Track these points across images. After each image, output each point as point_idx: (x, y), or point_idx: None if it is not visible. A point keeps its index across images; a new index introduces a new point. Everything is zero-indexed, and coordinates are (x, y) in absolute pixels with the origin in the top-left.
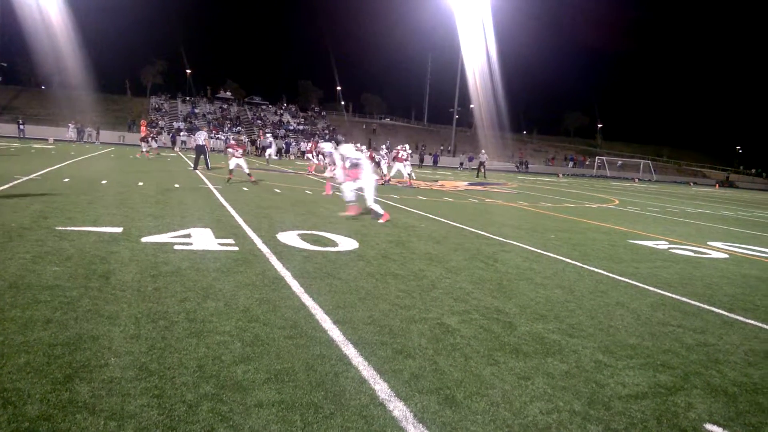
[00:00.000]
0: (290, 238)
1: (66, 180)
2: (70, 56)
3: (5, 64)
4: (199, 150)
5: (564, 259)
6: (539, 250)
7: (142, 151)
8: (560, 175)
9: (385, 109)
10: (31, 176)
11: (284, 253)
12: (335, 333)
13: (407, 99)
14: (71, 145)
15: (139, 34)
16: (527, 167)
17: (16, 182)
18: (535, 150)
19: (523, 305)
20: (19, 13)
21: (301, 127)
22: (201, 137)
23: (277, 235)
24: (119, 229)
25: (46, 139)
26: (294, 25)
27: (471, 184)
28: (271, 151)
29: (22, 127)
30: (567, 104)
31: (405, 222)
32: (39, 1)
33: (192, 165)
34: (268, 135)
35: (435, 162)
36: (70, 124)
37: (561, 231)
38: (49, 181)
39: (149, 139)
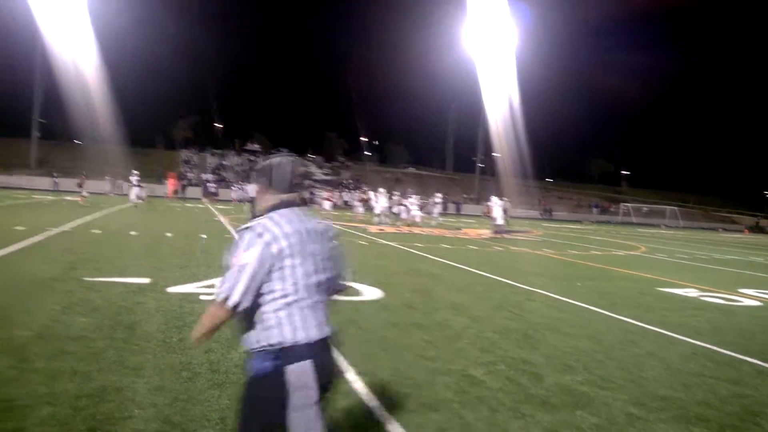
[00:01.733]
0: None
1: (96, 231)
2: (104, 112)
3: (44, 121)
4: (250, 200)
5: (591, 307)
6: (566, 299)
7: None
8: (586, 223)
9: (409, 159)
10: (63, 228)
11: None
12: (359, 384)
13: (430, 148)
14: (103, 197)
15: (170, 90)
16: (551, 214)
17: (48, 234)
18: (559, 197)
19: (551, 356)
20: (56, 73)
21: (326, 178)
22: (252, 189)
23: None
24: (146, 280)
25: (80, 192)
26: (320, 78)
27: (496, 232)
28: None
29: (56, 180)
30: (591, 151)
31: (429, 270)
32: (75, 61)
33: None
34: (249, 185)
35: (458, 210)
36: (106, 177)
37: (588, 279)
38: (79, 232)
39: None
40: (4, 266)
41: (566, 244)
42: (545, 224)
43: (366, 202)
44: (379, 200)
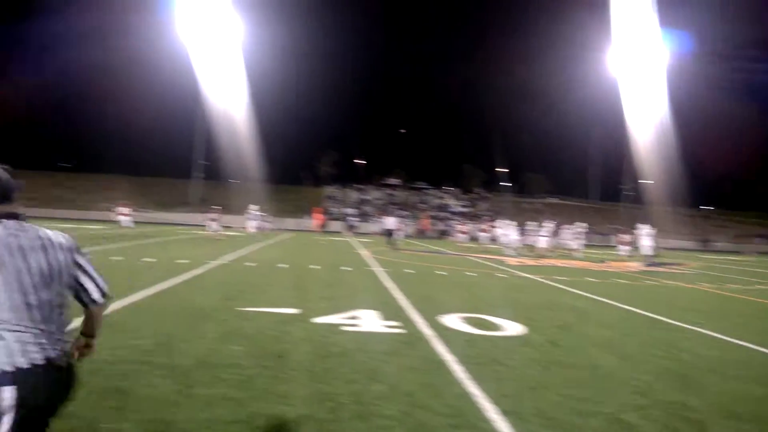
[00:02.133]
0: (453, 321)
1: (250, 264)
2: (256, 153)
3: (207, 162)
4: (388, 232)
5: (759, 348)
6: (729, 338)
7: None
8: (748, 254)
9: (549, 188)
10: (220, 261)
11: (447, 336)
12: (501, 424)
13: (572, 177)
14: (255, 232)
15: (315, 129)
16: (709, 244)
17: (207, 266)
18: (718, 226)
19: (713, 402)
20: (215, 120)
21: (464, 210)
22: (390, 222)
23: (439, 318)
24: (294, 310)
25: (234, 227)
26: (457, 110)
27: (649, 265)
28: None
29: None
30: (757, 175)
31: (573, 305)
32: (229, 107)
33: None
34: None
35: (603, 241)
36: (259, 213)
37: (753, 317)
38: (235, 264)
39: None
40: (169, 297)
41: (726, 277)
42: (701, 255)
43: (487, 233)
44: (508, 231)
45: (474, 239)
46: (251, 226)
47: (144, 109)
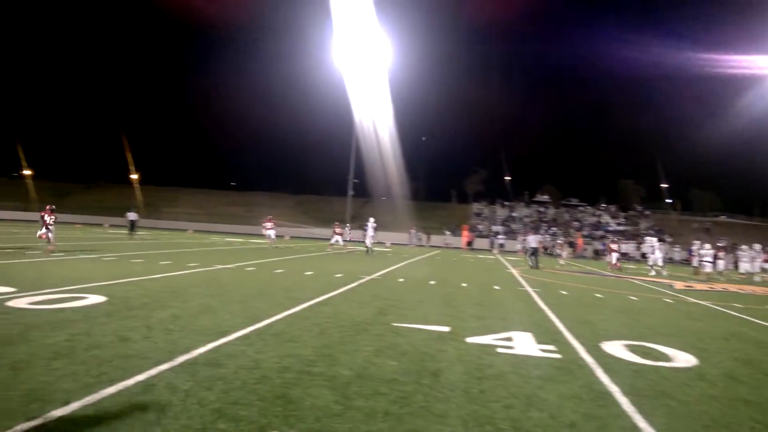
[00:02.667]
0: (616, 348)
1: (401, 280)
2: (405, 171)
3: (357, 180)
4: (533, 251)
5: None
6: None
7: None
8: None
9: (720, 206)
10: (373, 276)
11: (611, 365)
12: None
13: (747, 193)
14: (405, 248)
15: (463, 147)
16: None
17: (361, 281)
18: None
19: None
20: (365, 139)
21: (620, 228)
22: (534, 240)
23: (601, 344)
24: (446, 328)
25: (384, 243)
26: (612, 123)
27: None
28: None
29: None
30: None
31: (754, 336)
32: (380, 127)
33: (531, 264)
34: (531, 235)
35: None
36: (411, 230)
37: None
38: (387, 280)
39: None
40: (328, 309)
41: None
42: None
43: (613, 252)
44: (655, 250)
45: (624, 259)
46: (369, 240)
47: (305, 131)
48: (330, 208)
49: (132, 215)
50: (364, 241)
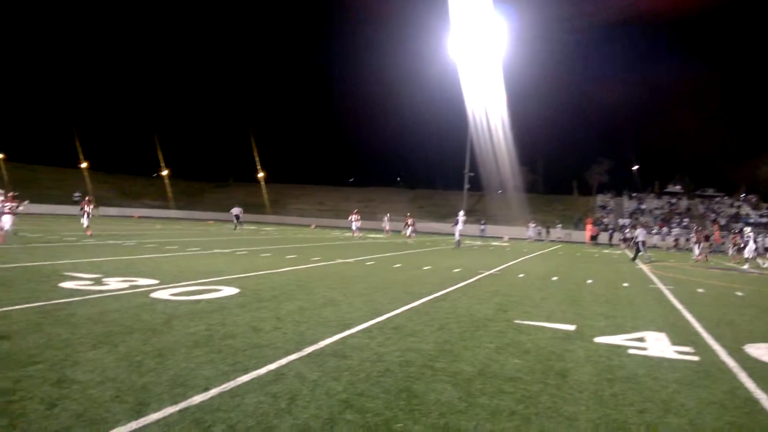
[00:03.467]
0: (763, 352)
1: (521, 276)
2: (523, 163)
3: (473, 174)
4: (641, 244)
5: None
6: None
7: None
8: None
9: None
10: (492, 271)
11: (757, 369)
12: None
13: None
14: (523, 243)
15: (585, 137)
16: None
17: (480, 276)
18: None
19: None
20: (481, 131)
21: (763, 220)
22: (642, 233)
23: (744, 347)
24: (571, 327)
25: (502, 237)
26: (752, 100)
27: None
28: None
29: (483, 227)
30: None
31: None
32: (496, 118)
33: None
34: (639, 228)
35: None
36: (530, 224)
37: None
38: (506, 275)
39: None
40: (447, 304)
41: None
42: None
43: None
44: (750, 241)
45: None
46: (458, 233)
47: (420, 126)
48: (445, 202)
49: (236, 210)
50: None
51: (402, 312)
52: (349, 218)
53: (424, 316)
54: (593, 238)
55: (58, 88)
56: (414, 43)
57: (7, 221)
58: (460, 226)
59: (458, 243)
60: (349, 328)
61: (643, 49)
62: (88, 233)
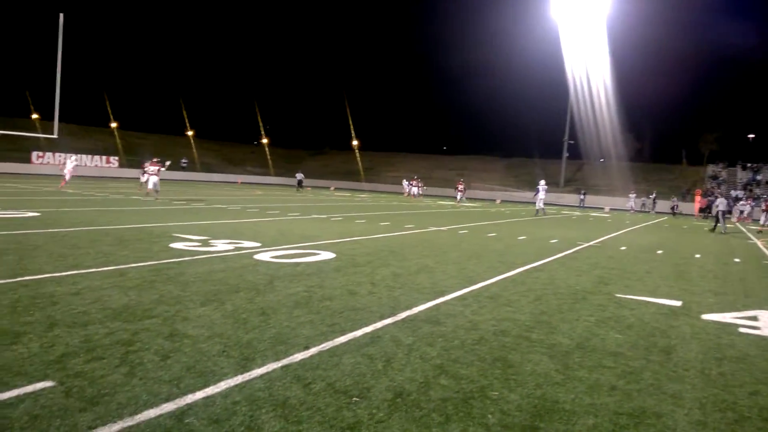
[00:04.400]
0: None
1: (623, 248)
2: (625, 131)
3: (572, 141)
4: (720, 215)
5: None
6: None
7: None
8: None
9: None
10: (591, 243)
11: None
12: None
13: None
14: (626, 215)
15: (697, 103)
16: None
17: (579, 248)
18: None
19: None
20: (582, 97)
21: None
22: (722, 203)
23: None
24: (677, 303)
25: (602, 208)
26: None
27: None
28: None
29: (582, 197)
30: None
31: None
32: (597, 85)
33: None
34: (720, 199)
35: None
36: (630, 195)
37: None
38: (607, 247)
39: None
40: (544, 275)
41: None
42: None
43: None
44: None
45: None
46: (540, 202)
47: (516, 91)
48: (543, 171)
49: (299, 175)
50: (535, 203)
51: (497, 281)
52: (458, 187)
53: (520, 286)
54: (702, 210)
55: (167, 60)
56: (511, 2)
57: (152, 181)
58: (541, 195)
59: (538, 211)
60: (442, 295)
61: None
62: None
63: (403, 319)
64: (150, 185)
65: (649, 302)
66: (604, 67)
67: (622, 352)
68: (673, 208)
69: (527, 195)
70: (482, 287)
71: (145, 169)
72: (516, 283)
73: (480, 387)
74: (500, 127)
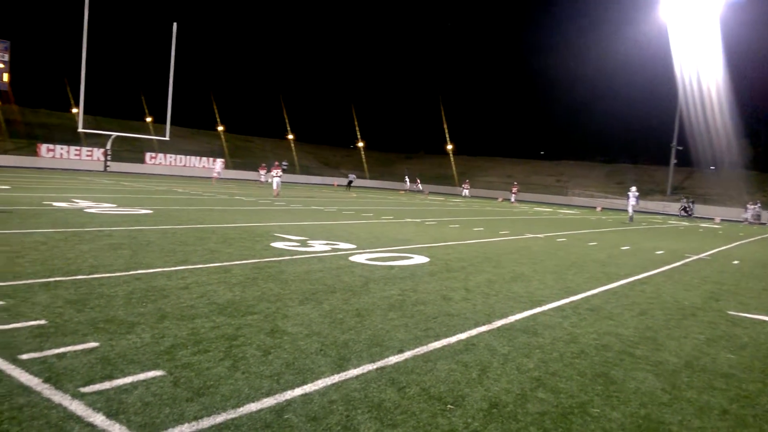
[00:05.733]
0: None
1: (735, 262)
2: (743, 136)
3: (680, 147)
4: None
5: None
6: None
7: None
8: None
9: None
10: (701, 255)
11: None
12: None
13: None
14: (739, 226)
15: None
16: None
17: (687, 260)
18: None
19: None
20: (692, 99)
21: None
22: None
23: None
24: None
25: (712, 219)
26: None
27: None
28: None
29: (689, 205)
30: None
31: None
32: (709, 91)
33: None
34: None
35: None
36: (750, 205)
37: None
38: (718, 261)
39: None
40: (649, 288)
41: None
42: None
43: None
44: None
45: None
46: (631, 208)
47: (621, 93)
48: (648, 179)
49: (351, 176)
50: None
51: (598, 293)
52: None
53: (623, 299)
54: None
55: (269, 68)
56: (617, 3)
57: (276, 182)
58: (632, 201)
59: (631, 218)
60: (539, 305)
61: None
62: (275, 194)
63: (498, 328)
64: (275, 185)
65: (765, 321)
66: (717, 68)
67: (735, 373)
68: None
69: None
70: (582, 299)
71: (272, 171)
72: (618, 296)
73: (580, 403)
74: (601, 131)
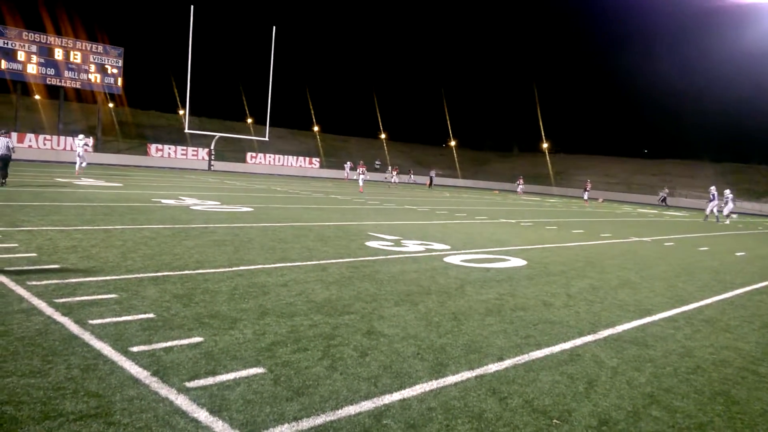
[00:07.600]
0: None
1: None
2: None
3: None
4: None
5: None
6: None
7: None
8: None
9: None
10: None
11: None
12: None
13: None
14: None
15: None
16: None
17: None
18: None
19: None
20: None
21: None
22: None
23: None
24: None
25: None
26: None
27: None
28: None
29: None
30: None
31: None
32: None
33: None
34: None
35: None
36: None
37: None
38: None
39: None
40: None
41: None
42: None
43: None
44: None
45: None
46: (727, 209)
47: (730, 88)
48: (762, 179)
49: (432, 173)
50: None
51: (712, 302)
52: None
53: (741, 310)
54: None
55: (363, 69)
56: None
57: (361, 181)
58: (714, 201)
59: (706, 218)
60: (649, 314)
61: None
62: (360, 190)
63: (605, 338)
64: (360, 182)
65: None
66: None
67: None
68: None
69: (744, 205)
70: (695, 308)
71: (357, 170)
72: (736, 306)
73: (698, 423)
74: (708, 128)
